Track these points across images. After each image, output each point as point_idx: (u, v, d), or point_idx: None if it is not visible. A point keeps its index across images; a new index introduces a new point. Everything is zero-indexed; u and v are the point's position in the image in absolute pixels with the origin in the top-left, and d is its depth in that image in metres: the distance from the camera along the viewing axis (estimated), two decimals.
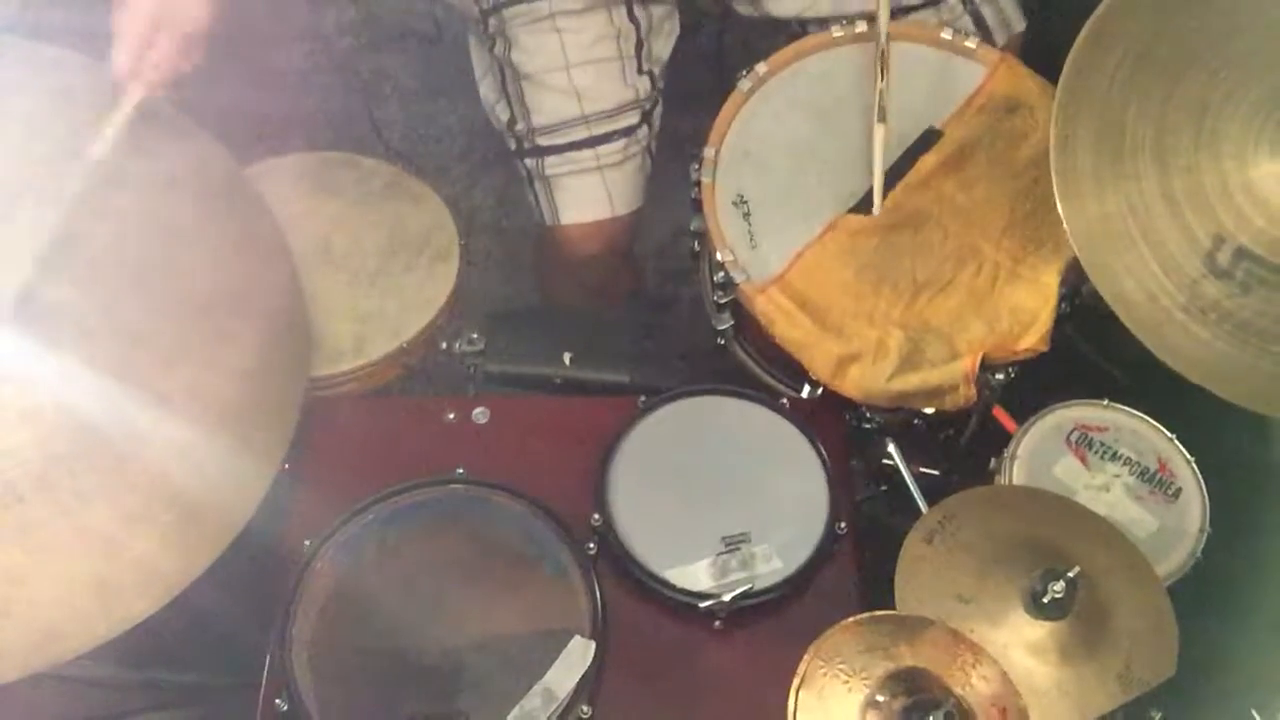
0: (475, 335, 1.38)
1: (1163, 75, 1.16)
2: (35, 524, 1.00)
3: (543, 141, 1.50)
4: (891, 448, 1.29)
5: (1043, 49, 1.48)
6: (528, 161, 1.53)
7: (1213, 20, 1.17)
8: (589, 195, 1.52)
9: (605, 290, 1.64)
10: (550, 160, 1.51)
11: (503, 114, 1.54)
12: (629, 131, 1.50)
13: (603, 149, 1.49)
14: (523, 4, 1.44)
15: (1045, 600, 1.03)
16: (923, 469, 1.33)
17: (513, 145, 1.55)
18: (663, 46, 1.54)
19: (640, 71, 1.50)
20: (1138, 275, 1.13)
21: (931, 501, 1.21)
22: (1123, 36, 1.17)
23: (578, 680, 1.06)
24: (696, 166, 1.34)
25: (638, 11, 1.48)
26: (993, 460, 1.26)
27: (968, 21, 1.48)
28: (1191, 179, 1.13)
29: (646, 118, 1.52)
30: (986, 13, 1.48)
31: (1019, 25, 1.51)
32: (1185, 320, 1.13)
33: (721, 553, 1.15)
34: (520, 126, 1.51)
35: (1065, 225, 1.15)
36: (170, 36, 1.18)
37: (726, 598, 1.11)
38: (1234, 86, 1.15)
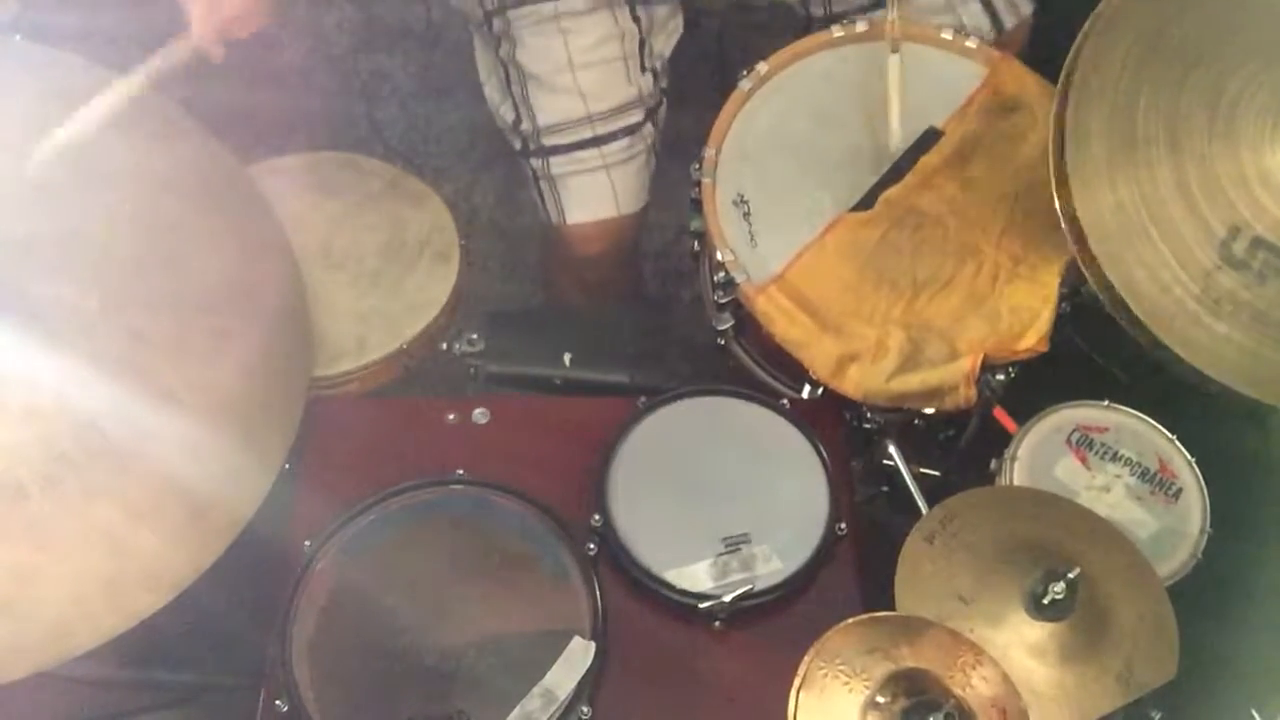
0: (475, 336, 1.38)
1: (1176, 62, 1.14)
2: (41, 521, 1.00)
3: (548, 141, 1.50)
4: (892, 448, 1.29)
5: (1044, 47, 1.48)
6: (533, 161, 1.53)
7: (1226, 6, 1.16)
8: (595, 194, 1.52)
9: (609, 289, 1.64)
10: (556, 160, 1.51)
11: (508, 114, 1.54)
12: (633, 130, 1.50)
13: (607, 148, 1.49)
14: (528, 5, 1.44)
15: (1046, 601, 1.03)
16: (923, 469, 1.33)
17: (518, 145, 1.55)
18: (665, 44, 1.54)
19: (643, 70, 1.50)
20: (1151, 266, 1.11)
21: (932, 502, 1.21)
22: (1134, 22, 1.15)
23: (578, 681, 1.06)
24: (697, 166, 1.34)
25: (640, 11, 1.48)
26: (993, 461, 1.26)
27: (977, 4, 1.48)
28: (1206, 168, 1.11)
29: (651, 115, 1.52)
30: None
31: (1027, 8, 1.50)
32: (1199, 311, 1.10)
33: (722, 553, 1.15)
34: (525, 127, 1.51)
35: (1078, 216, 1.12)
36: None
37: (727, 598, 1.11)
38: (1249, 74, 1.13)
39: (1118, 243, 1.12)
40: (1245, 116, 1.12)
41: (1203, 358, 1.10)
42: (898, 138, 1.33)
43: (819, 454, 1.22)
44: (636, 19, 1.48)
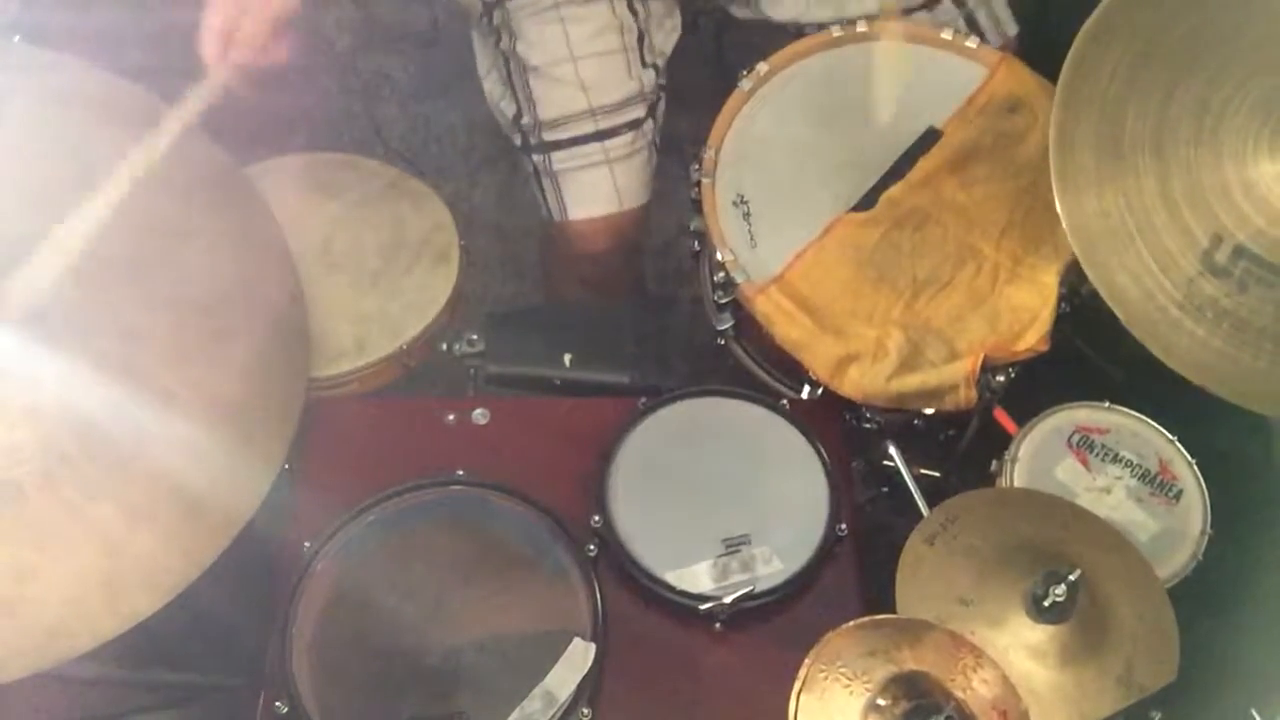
0: (475, 336, 1.38)
1: (1163, 74, 1.16)
2: (40, 522, 1.00)
3: (549, 136, 1.49)
4: (892, 449, 1.29)
5: (1043, 49, 1.48)
6: (534, 157, 1.52)
7: (1214, 19, 1.17)
8: (597, 190, 1.51)
9: (611, 287, 1.64)
10: (557, 155, 1.50)
11: (508, 109, 1.53)
12: (635, 125, 1.50)
13: (610, 143, 1.49)
14: None
15: (1046, 603, 1.03)
16: (923, 470, 1.33)
17: (518, 141, 1.54)
18: (665, 40, 1.53)
19: (644, 64, 1.50)
20: (1135, 272, 1.13)
21: (932, 503, 1.21)
22: (1124, 34, 1.17)
23: (578, 682, 1.06)
24: (697, 166, 1.34)
25: (637, 4, 1.47)
26: (994, 462, 1.25)
27: (962, 25, 1.48)
28: (1191, 177, 1.14)
29: (652, 111, 1.52)
30: (980, 16, 1.49)
31: (1012, 29, 1.51)
32: (1181, 318, 1.13)
33: (722, 555, 1.15)
34: (526, 121, 1.51)
35: (1064, 222, 1.15)
36: (257, 19, 1.18)
37: (727, 600, 1.11)
38: (1235, 86, 1.15)
39: (1103, 249, 1.14)
40: (1229, 128, 1.14)
41: (1184, 363, 1.13)
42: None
43: (819, 454, 1.21)
44: (634, 11, 1.47)
